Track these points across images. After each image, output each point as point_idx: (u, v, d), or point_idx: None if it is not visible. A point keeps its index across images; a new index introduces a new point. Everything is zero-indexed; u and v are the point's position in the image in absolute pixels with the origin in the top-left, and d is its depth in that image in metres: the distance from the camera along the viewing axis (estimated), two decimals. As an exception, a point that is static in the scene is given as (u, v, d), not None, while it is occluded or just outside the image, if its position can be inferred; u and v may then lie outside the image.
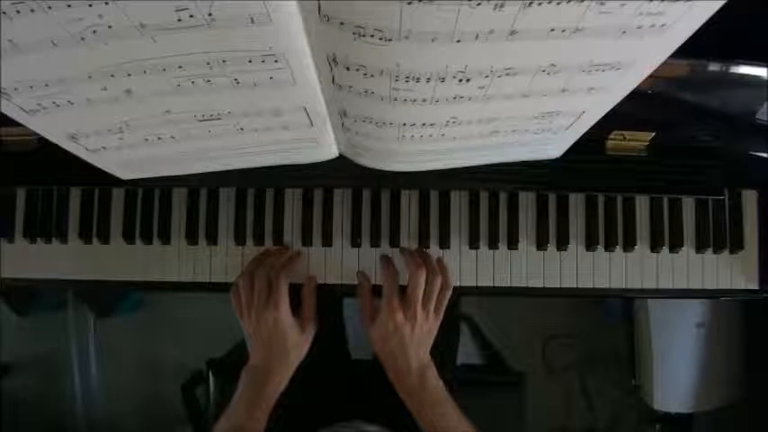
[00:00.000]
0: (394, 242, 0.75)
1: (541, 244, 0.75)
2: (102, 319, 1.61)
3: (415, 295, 0.66)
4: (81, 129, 0.49)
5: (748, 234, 0.75)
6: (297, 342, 0.68)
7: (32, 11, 0.33)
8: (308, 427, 0.72)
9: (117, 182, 0.64)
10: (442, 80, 0.42)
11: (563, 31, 0.37)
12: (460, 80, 0.42)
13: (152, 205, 0.75)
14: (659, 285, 0.75)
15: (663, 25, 0.37)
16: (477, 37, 0.36)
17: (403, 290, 0.68)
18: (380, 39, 0.36)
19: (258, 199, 0.75)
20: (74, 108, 0.45)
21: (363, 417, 0.77)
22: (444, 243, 0.75)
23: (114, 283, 0.76)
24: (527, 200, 0.75)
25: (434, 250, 0.75)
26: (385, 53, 0.38)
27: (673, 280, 0.75)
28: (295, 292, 0.70)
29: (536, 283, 0.75)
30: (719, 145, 0.68)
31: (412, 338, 0.66)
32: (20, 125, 0.46)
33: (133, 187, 0.73)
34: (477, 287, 0.75)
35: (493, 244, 0.75)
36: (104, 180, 0.63)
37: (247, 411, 0.66)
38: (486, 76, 0.42)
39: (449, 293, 0.69)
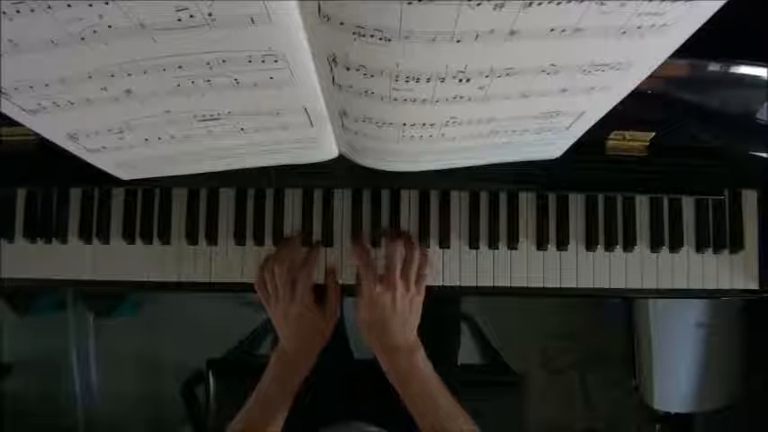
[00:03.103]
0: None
1: (541, 244, 0.75)
2: (101, 320, 1.61)
3: (392, 266, 0.68)
4: (81, 129, 0.49)
5: (748, 234, 0.75)
6: (322, 329, 0.72)
7: (32, 11, 0.33)
8: (309, 427, 0.72)
9: (117, 182, 0.64)
10: (442, 80, 0.42)
11: (563, 31, 0.37)
12: (460, 80, 0.42)
13: (152, 205, 0.75)
14: (659, 285, 0.75)
15: (663, 25, 0.37)
16: (477, 37, 0.36)
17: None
18: (380, 39, 0.36)
19: (258, 199, 0.75)
20: (74, 108, 0.45)
21: (364, 417, 0.77)
22: (444, 243, 0.75)
23: (114, 283, 0.76)
24: (527, 200, 0.75)
25: (434, 250, 0.75)
26: (385, 53, 0.38)
27: (673, 280, 0.75)
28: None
29: (536, 283, 0.75)
30: (719, 145, 0.68)
31: (394, 309, 0.67)
32: (20, 125, 0.46)
33: (133, 187, 0.73)
34: (477, 287, 0.75)
35: (493, 244, 0.75)
36: (104, 180, 0.63)
37: (278, 389, 0.70)
38: (486, 76, 0.42)
39: (427, 267, 0.71)
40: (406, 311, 0.68)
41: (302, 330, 0.70)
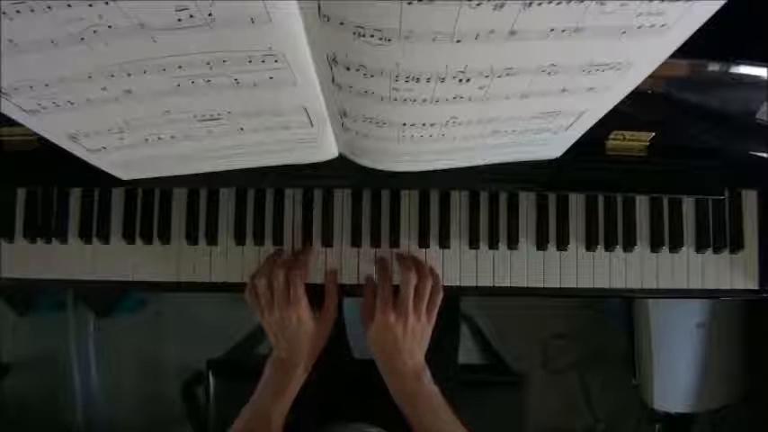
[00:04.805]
0: (394, 242, 0.75)
1: (541, 244, 0.75)
2: (102, 319, 1.61)
3: (406, 297, 0.68)
4: (81, 129, 0.49)
5: (748, 234, 0.75)
6: (319, 334, 0.71)
7: (32, 11, 0.33)
8: (309, 427, 0.72)
9: (117, 182, 0.64)
10: (442, 80, 0.42)
11: (563, 31, 0.37)
12: (460, 80, 0.42)
13: (152, 205, 0.75)
14: (659, 285, 0.75)
15: (663, 25, 0.37)
16: (477, 37, 0.36)
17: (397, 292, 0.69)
18: (380, 39, 0.36)
19: (258, 199, 0.75)
20: (74, 108, 0.45)
21: (364, 417, 0.77)
22: (444, 243, 0.75)
23: (114, 283, 0.76)
24: (527, 200, 0.75)
25: (434, 250, 0.75)
26: (385, 53, 0.38)
27: (673, 280, 0.75)
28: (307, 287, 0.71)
29: (536, 283, 0.75)
30: (719, 145, 0.68)
31: (404, 338, 0.67)
32: (20, 125, 0.46)
33: (133, 187, 0.73)
34: (477, 287, 0.75)
35: (493, 244, 0.75)
36: (104, 180, 0.63)
37: (273, 400, 0.68)
38: (487, 76, 0.42)
39: (440, 297, 0.71)
40: (417, 339, 0.69)
41: (298, 336, 0.69)
